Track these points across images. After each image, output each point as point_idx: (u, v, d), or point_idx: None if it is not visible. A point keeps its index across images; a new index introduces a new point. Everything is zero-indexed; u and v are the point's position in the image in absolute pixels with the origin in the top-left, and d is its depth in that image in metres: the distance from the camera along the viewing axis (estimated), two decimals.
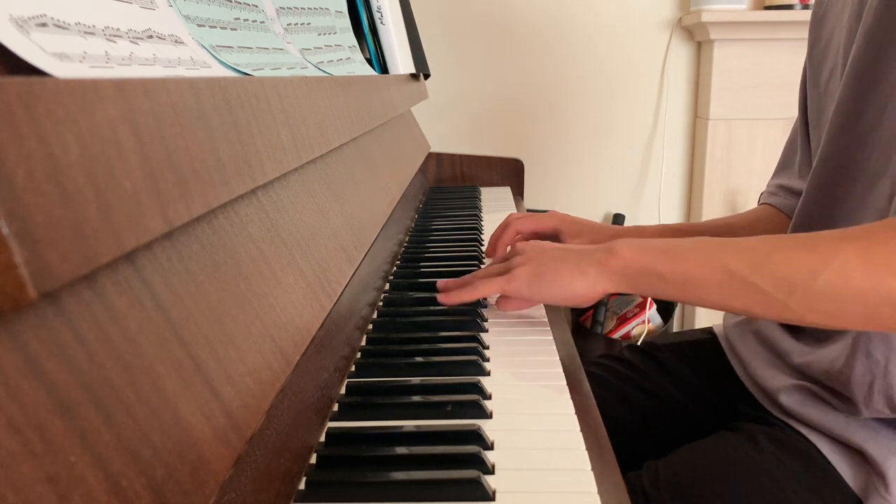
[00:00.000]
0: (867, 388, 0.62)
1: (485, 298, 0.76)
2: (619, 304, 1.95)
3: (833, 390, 0.66)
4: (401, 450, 0.46)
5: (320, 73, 0.70)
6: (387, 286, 0.80)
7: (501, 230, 0.88)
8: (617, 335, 1.90)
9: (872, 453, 0.63)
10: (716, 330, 0.88)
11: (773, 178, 0.90)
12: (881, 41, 0.63)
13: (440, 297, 0.70)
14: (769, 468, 0.64)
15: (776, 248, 0.52)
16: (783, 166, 0.89)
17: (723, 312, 0.86)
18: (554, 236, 0.86)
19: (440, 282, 0.74)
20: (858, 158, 0.66)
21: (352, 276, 0.62)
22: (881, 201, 0.63)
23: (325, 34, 0.78)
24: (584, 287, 0.59)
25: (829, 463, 0.64)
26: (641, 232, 0.85)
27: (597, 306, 1.92)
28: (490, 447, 0.47)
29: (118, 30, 0.37)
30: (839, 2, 0.74)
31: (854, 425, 0.65)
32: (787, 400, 0.70)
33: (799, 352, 0.71)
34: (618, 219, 2.06)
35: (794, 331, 0.74)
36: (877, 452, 0.63)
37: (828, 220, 0.70)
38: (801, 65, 0.84)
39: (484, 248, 0.97)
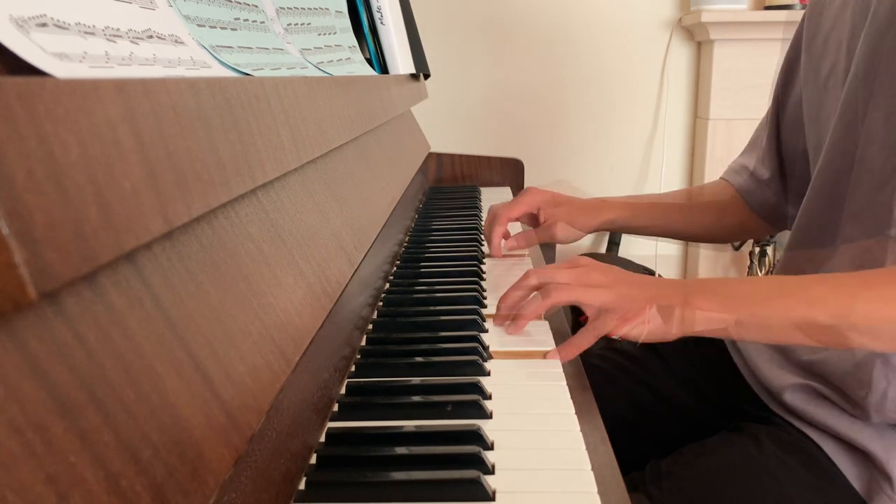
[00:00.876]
0: (881, 395, 0.62)
1: (484, 299, 0.76)
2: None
3: (840, 391, 0.66)
4: (401, 450, 0.46)
5: (320, 73, 0.70)
6: (387, 286, 0.80)
7: (493, 221, 0.93)
8: (617, 335, 1.89)
9: (877, 453, 0.63)
10: None
11: (740, 155, 0.94)
12: (877, 43, 0.63)
13: (549, 356, 0.63)
14: (773, 469, 0.64)
15: (857, 298, 0.55)
16: (752, 148, 0.92)
17: None
18: (538, 213, 0.93)
19: (498, 318, 0.69)
20: (865, 159, 0.65)
21: (352, 276, 0.62)
22: (890, 202, 0.62)
23: (325, 34, 0.78)
24: (663, 336, 0.61)
25: (832, 463, 0.64)
26: (608, 204, 0.91)
27: None
28: (490, 447, 0.47)
29: (118, 30, 0.37)
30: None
31: (858, 425, 0.65)
32: (791, 398, 0.70)
33: (807, 350, 0.71)
34: None
35: None
36: (882, 453, 0.63)
37: (834, 219, 0.69)
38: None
39: (484, 249, 0.97)
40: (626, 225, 0.93)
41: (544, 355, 0.63)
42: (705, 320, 0.59)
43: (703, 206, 0.93)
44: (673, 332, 0.60)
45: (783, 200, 0.88)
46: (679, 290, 0.61)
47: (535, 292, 0.66)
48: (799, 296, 0.57)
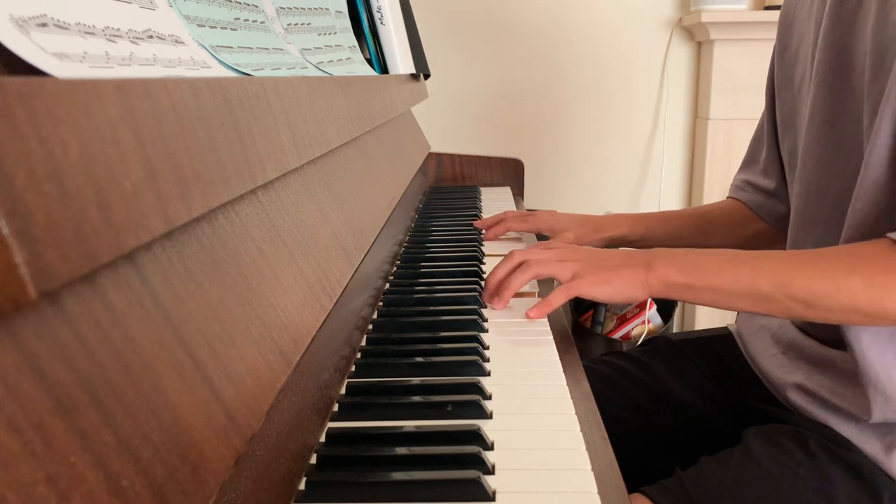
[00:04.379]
0: (883, 392, 0.62)
1: (482, 299, 0.76)
2: (619, 305, 1.95)
3: (842, 390, 0.66)
4: (401, 450, 0.46)
5: (320, 73, 0.70)
6: (387, 286, 0.80)
7: (495, 222, 1.03)
8: (617, 335, 1.90)
9: (877, 454, 0.63)
10: (731, 329, 0.88)
11: (739, 171, 0.96)
12: (843, 47, 0.66)
13: (529, 314, 0.71)
14: (780, 470, 0.64)
15: (797, 273, 0.61)
16: (749, 162, 0.94)
17: (733, 313, 0.92)
18: (548, 233, 0.99)
19: (486, 295, 0.75)
20: (833, 163, 0.69)
21: (352, 276, 0.62)
22: (870, 196, 0.63)
23: (325, 34, 0.78)
24: (630, 295, 0.68)
25: (832, 463, 0.64)
26: (620, 219, 0.96)
27: (596, 306, 1.92)
28: (490, 447, 0.47)
29: (118, 30, 0.37)
30: (805, 8, 0.77)
31: (860, 425, 0.65)
32: (794, 397, 0.70)
33: (816, 348, 0.72)
34: None
35: (811, 333, 0.74)
36: (882, 453, 0.63)
37: (826, 215, 0.71)
38: None
39: (484, 249, 0.98)
40: (640, 239, 0.96)
41: (527, 315, 0.70)
42: (665, 283, 0.66)
43: (718, 219, 0.95)
44: (638, 293, 0.67)
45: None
46: (644, 257, 0.69)
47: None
48: (748, 266, 0.63)
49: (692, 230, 0.95)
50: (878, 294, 0.58)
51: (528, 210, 1.06)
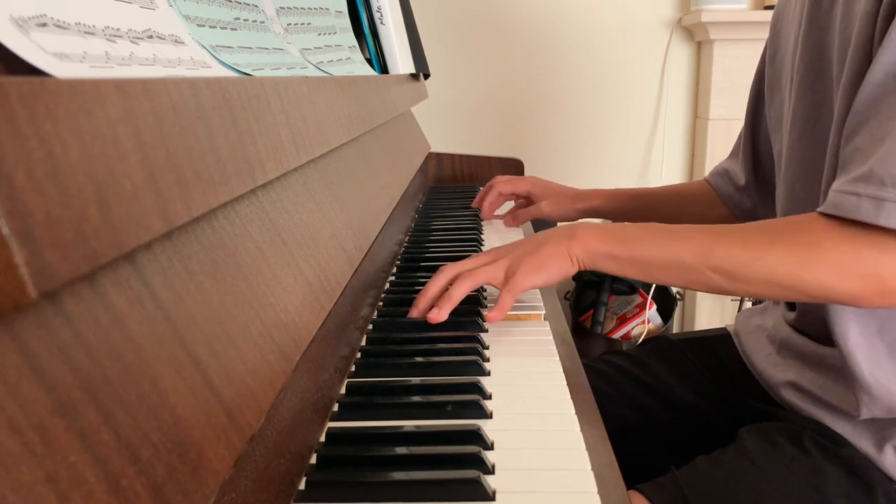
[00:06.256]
0: (870, 389, 0.63)
1: (485, 299, 0.76)
2: (619, 305, 1.95)
3: (832, 388, 0.66)
4: (401, 450, 0.46)
5: (320, 73, 0.70)
6: (387, 286, 0.80)
7: (487, 191, 1.13)
8: (617, 335, 1.89)
9: (870, 450, 0.64)
10: (729, 329, 0.89)
11: (725, 159, 1.00)
12: (819, 48, 0.67)
13: (487, 316, 0.68)
14: (776, 466, 0.64)
15: (718, 243, 0.61)
16: (734, 153, 0.98)
17: (732, 313, 0.92)
18: (528, 197, 1.10)
19: (416, 311, 0.70)
20: (817, 161, 0.69)
21: (352, 276, 0.62)
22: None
23: (325, 34, 0.79)
24: (563, 270, 0.67)
25: (826, 460, 0.64)
26: (594, 193, 1.01)
27: (597, 306, 1.92)
28: (490, 447, 0.47)
29: (118, 30, 0.37)
30: (790, 14, 0.78)
31: (852, 422, 0.65)
32: (787, 395, 0.70)
33: (807, 346, 0.72)
34: None
35: (802, 331, 0.74)
36: (874, 449, 0.63)
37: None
38: None
39: (484, 249, 0.98)
40: (612, 211, 1.00)
41: (485, 318, 0.68)
42: (588, 252, 0.66)
43: (689, 198, 0.99)
44: (568, 266, 0.67)
45: (759, 206, 0.92)
46: (566, 229, 0.68)
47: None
48: (672, 237, 0.63)
49: (663, 206, 0.99)
50: (797, 266, 0.57)
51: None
